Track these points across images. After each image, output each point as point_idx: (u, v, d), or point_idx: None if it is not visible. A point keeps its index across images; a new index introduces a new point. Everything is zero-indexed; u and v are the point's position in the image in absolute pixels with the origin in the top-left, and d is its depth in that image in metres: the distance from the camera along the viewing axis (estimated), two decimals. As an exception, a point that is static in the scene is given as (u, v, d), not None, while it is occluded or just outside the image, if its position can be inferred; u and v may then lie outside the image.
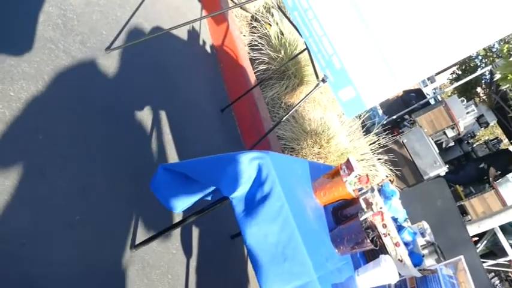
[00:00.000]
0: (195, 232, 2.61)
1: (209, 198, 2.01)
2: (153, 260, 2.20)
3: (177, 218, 2.45)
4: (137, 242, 2.14)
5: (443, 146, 8.33)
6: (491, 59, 9.25)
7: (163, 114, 2.86)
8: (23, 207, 1.74)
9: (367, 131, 5.67)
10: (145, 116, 2.68)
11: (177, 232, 2.48)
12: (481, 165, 7.25)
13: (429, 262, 2.09)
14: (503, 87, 4.27)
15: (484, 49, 9.17)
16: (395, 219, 2.00)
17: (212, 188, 1.90)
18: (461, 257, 1.93)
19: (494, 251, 6.15)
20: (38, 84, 2.05)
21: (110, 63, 2.59)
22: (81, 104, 2.26)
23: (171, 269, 2.30)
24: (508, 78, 4.03)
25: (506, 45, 5.58)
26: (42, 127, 1.97)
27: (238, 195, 1.56)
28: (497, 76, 4.21)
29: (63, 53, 2.29)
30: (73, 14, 2.48)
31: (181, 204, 1.84)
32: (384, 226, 1.83)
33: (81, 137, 2.16)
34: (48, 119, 2.03)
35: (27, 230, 1.71)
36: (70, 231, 1.87)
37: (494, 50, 9.31)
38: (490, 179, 6.97)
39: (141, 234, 2.20)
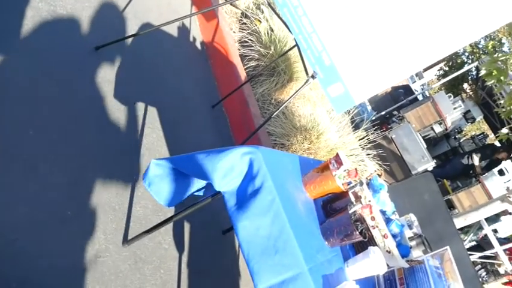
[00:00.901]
0: (187, 227, 2.63)
1: (201, 193, 2.03)
2: (145, 255, 2.22)
3: (169, 213, 2.47)
4: (129, 237, 2.15)
5: (431, 140, 8.44)
6: (477, 55, 9.39)
7: (154, 111, 2.87)
8: (15, 203, 1.74)
9: (356, 126, 5.74)
10: (136, 111, 2.69)
11: (169, 227, 2.50)
12: (466, 158, 7.36)
13: (416, 253, 2.14)
14: (489, 83, 4.34)
15: (471, 45, 9.31)
16: (383, 212, 2.05)
17: (204, 183, 1.92)
18: (447, 247, 1.99)
19: (481, 244, 6.27)
20: (26, 81, 2.05)
21: (99, 60, 2.59)
22: (71, 100, 2.26)
23: (163, 264, 2.32)
24: (493, 74, 4.10)
25: (492, 42, 5.69)
26: (32, 122, 1.98)
27: (230, 189, 1.59)
28: (483, 72, 4.28)
29: (53, 49, 2.29)
30: (63, 10, 2.47)
31: (173, 199, 1.87)
32: (373, 219, 1.87)
33: (72, 132, 2.16)
34: (38, 114, 2.03)
35: (20, 225, 1.72)
36: (62, 226, 1.88)
37: (480, 46, 9.44)
38: (476, 166, 7.08)
39: (133, 230, 2.21)
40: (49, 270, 1.75)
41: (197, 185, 1.93)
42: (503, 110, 4.46)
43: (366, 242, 1.84)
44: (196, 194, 2.03)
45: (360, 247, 1.95)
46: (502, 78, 4.11)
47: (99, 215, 2.08)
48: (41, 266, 1.72)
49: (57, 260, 1.79)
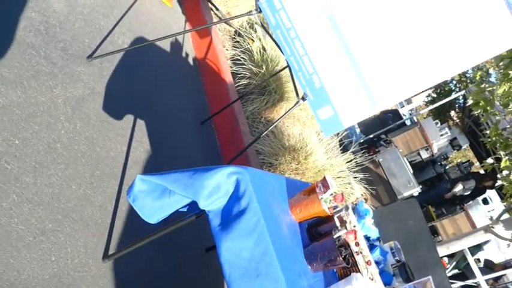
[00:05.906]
0: (169, 243, 2.59)
1: (185, 209, 2.01)
2: (124, 272, 2.18)
3: (152, 228, 2.43)
4: (110, 252, 2.11)
5: (418, 166, 8.52)
6: (465, 84, 9.58)
7: (143, 125, 2.85)
8: (-5, 214, 1.71)
9: (344, 149, 5.76)
10: (124, 125, 2.67)
11: (150, 243, 2.45)
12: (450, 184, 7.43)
13: (399, 281, 2.13)
14: (475, 112, 4.43)
15: (459, 74, 9.49)
16: (367, 238, 2.04)
17: (189, 201, 1.90)
18: (430, 277, 1.98)
19: (465, 272, 6.29)
20: (18, 90, 2.03)
21: (91, 72, 2.58)
22: (60, 111, 2.24)
23: (142, 281, 2.28)
24: (480, 104, 4.18)
25: (479, 72, 5.80)
26: (19, 132, 1.95)
27: (215, 209, 1.58)
28: (470, 101, 4.37)
29: (44, 60, 2.27)
30: (56, 21, 2.47)
31: (157, 216, 1.84)
32: (357, 244, 1.86)
33: (59, 144, 2.14)
34: (26, 124, 2.00)
35: (-2, 237, 1.68)
36: (42, 238, 1.84)
37: (468, 75, 9.63)
38: (455, 190, 7.12)
39: (114, 245, 2.17)
40: (26, 283, 1.70)
41: (182, 202, 1.91)
42: (489, 140, 4.53)
43: (349, 268, 1.83)
44: (180, 210, 2.01)
45: (343, 273, 1.93)
46: (488, 108, 4.18)
47: (80, 228, 2.04)
48: (19, 278, 1.67)
49: (35, 272, 1.74)
